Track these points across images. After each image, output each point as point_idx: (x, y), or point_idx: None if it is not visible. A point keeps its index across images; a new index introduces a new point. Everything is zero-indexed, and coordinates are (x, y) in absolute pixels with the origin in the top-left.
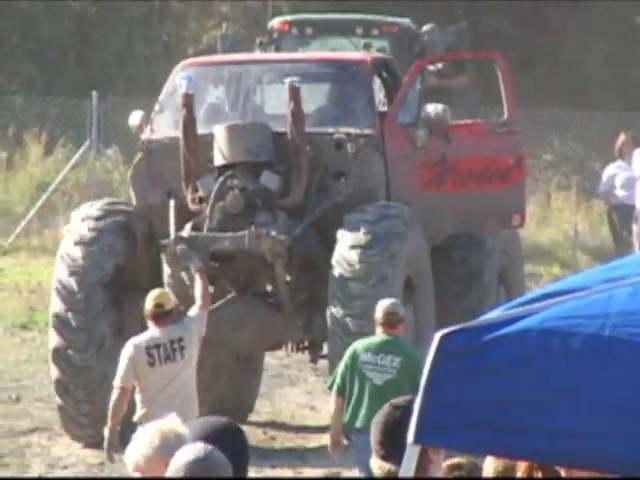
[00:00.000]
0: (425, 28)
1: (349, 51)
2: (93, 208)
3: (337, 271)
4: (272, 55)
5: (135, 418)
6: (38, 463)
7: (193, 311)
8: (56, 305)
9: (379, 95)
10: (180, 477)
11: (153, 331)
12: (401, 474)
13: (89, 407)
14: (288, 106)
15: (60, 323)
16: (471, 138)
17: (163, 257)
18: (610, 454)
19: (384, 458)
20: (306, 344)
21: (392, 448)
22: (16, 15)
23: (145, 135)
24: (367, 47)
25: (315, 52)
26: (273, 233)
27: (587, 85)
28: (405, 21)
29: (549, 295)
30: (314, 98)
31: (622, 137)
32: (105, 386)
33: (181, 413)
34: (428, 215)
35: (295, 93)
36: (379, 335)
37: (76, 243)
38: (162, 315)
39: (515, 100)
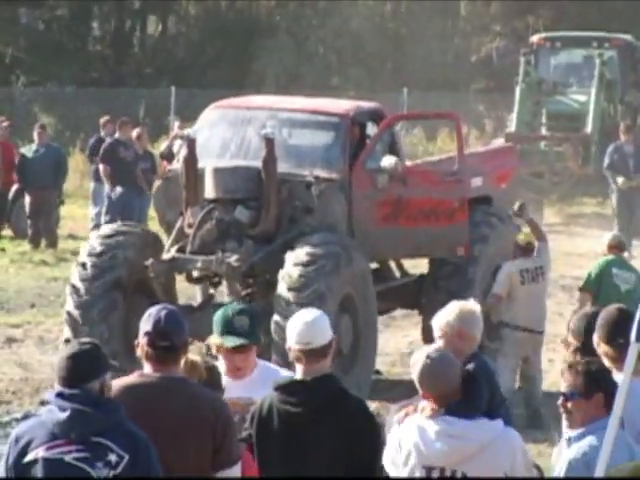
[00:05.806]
0: None
1: (586, 58)
2: (106, 228)
3: (281, 284)
4: (276, 102)
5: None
6: None
7: (542, 247)
8: (68, 304)
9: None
10: None
11: (523, 260)
12: (625, 369)
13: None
14: (263, 153)
15: (70, 319)
16: (424, 183)
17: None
18: None
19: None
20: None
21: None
22: (349, 35)
23: (170, 165)
24: (600, 56)
25: (309, 102)
26: (231, 259)
27: None
28: (628, 37)
29: None
30: (302, 141)
31: None
32: None
33: (535, 318)
34: (384, 243)
35: (269, 143)
36: (610, 256)
37: (89, 254)
38: (529, 250)
39: (464, 154)
